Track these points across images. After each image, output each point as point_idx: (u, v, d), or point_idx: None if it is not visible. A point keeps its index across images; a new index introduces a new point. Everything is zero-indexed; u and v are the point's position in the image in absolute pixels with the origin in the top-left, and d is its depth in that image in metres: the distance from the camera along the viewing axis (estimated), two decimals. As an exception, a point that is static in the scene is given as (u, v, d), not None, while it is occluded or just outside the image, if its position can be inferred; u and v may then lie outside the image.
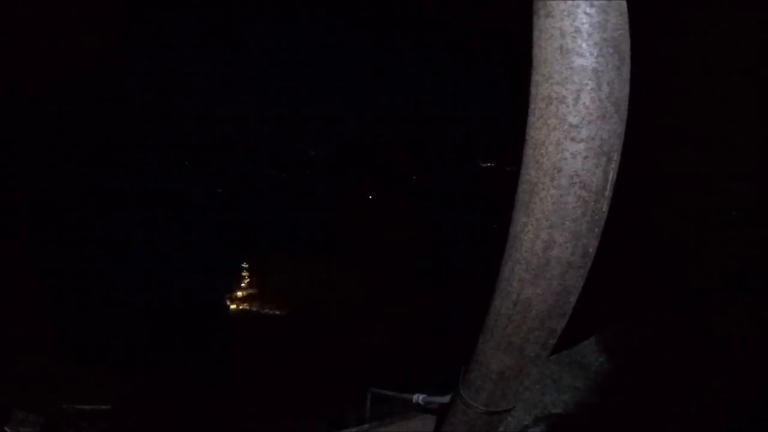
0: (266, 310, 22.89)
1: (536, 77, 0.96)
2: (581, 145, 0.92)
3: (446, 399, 1.69)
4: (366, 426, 2.33)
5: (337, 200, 33.22)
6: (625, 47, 0.91)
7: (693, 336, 2.23)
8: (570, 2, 0.87)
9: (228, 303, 24.26)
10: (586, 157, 0.92)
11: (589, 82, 0.89)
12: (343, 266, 23.54)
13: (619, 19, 0.89)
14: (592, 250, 1.04)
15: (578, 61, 0.88)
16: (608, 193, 0.98)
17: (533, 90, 0.97)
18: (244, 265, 25.94)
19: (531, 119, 0.99)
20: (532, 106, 0.98)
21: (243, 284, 25.12)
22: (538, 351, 1.19)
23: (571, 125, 0.91)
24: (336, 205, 32.13)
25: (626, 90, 0.93)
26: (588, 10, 0.86)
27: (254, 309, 23.29)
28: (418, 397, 1.98)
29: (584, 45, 0.88)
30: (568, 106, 0.91)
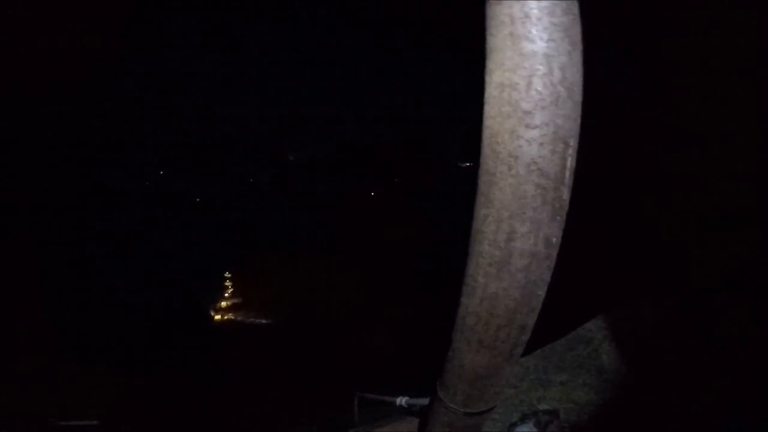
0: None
1: (489, 65, 0.96)
2: (536, 132, 0.91)
3: (427, 401, 1.69)
4: (351, 431, 2.33)
5: (337, 200, 33.21)
6: (576, 32, 0.90)
7: (693, 336, 2.23)
8: None
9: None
10: (541, 144, 0.91)
11: (540, 67, 0.88)
12: (343, 266, 23.54)
13: (568, 4, 0.88)
14: (555, 240, 1.02)
15: (528, 47, 0.88)
16: (568, 180, 0.96)
17: (487, 78, 0.96)
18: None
19: (486, 108, 0.98)
20: (486, 94, 0.97)
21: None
22: (511, 348, 1.17)
23: (524, 111, 0.90)
24: (336, 205, 32.13)
25: (579, 75, 0.92)
26: None
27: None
28: (402, 400, 1.98)
29: (534, 30, 0.87)
30: (520, 93, 0.89)
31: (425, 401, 1.74)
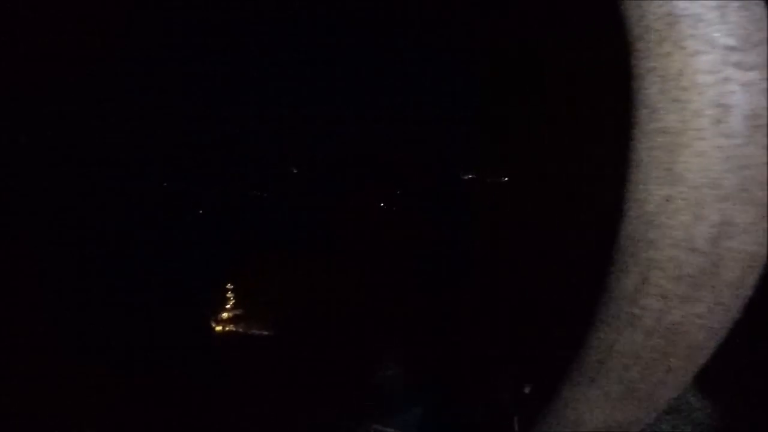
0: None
1: None
2: (751, 74, 0.66)
3: None
4: None
5: (337, 200, 33.26)
6: None
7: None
8: None
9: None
10: (763, 89, 0.66)
11: None
12: (344, 267, 23.54)
13: None
14: None
15: None
16: None
17: (638, 12, 0.74)
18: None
19: (647, 45, 0.73)
20: (640, 29, 0.74)
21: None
22: (674, 395, 0.84)
23: (725, 48, 0.67)
24: (336, 205, 32.16)
25: None
26: None
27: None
28: None
29: None
30: (712, 26, 0.67)
31: None
